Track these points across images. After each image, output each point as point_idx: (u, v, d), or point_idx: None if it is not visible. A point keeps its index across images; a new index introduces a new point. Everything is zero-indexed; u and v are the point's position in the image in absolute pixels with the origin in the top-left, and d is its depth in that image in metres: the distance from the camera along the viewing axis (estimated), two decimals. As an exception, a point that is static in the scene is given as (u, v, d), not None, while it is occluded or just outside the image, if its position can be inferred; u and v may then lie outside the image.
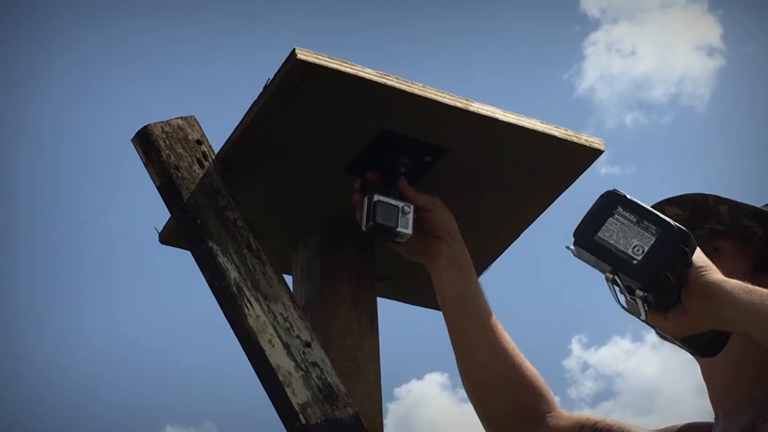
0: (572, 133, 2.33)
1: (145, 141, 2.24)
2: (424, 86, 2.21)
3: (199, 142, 2.27)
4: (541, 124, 2.31)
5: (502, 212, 2.47)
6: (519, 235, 2.54)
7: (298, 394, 2.10)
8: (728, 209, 1.83)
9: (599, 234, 1.70)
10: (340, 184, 2.31)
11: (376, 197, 2.19)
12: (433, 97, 2.21)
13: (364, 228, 2.21)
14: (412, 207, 2.21)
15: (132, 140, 2.26)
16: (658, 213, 1.69)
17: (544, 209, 2.46)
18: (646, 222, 1.69)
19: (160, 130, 2.25)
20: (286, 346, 2.14)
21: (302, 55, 2.12)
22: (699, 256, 1.68)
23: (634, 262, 1.68)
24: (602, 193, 1.73)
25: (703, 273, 1.66)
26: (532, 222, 2.50)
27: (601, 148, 2.35)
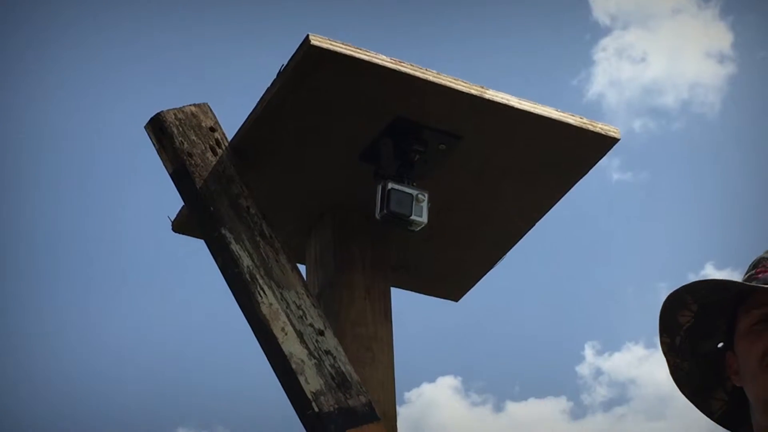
0: (588, 122, 2.31)
1: (158, 127, 2.23)
2: (438, 73, 2.19)
3: (212, 129, 2.26)
4: (556, 112, 2.29)
5: (517, 201, 2.45)
6: (534, 224, 2.52)
7: (311, 382, 2.09)
8: None
9: None
10: (354, 172, 2.30)
11: (390, 185, 2.18)
12: (448, 84, 2.20)
13: (377, 216, 2.20)
14: (426, 195, 2.19)
15: (145, 127, 2.25)
16: None
17: (560, 198, 2.44)
18: None
19: (174, 116, 2.24)
20: (299, 334, 2.12)
21: (316, 41, 2.11)
22: None
23: None
24: None
25: None
26: (547, 211, 2.48)
27: (617, 136, 2.33)
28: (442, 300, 2.67)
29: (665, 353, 1.66)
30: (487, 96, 2.23)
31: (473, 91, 2.21)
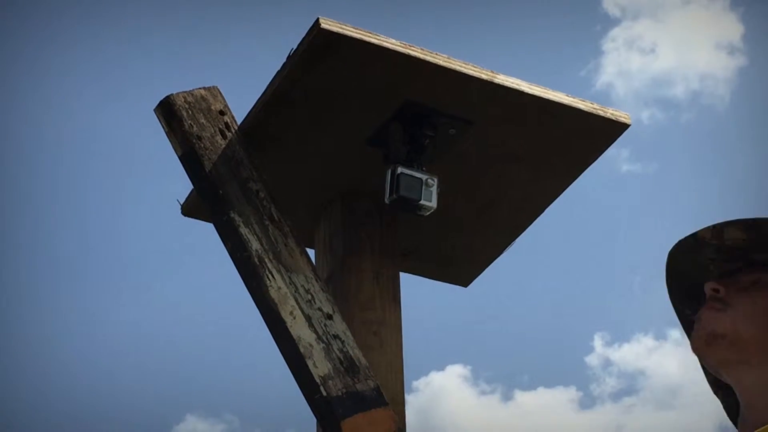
0: (598, 107, 2.30)
1: (167, 110, 2.22)
2: (449, 57, 2.19)
3: (222, 113, 2.26)
4: (567, 97, 2.28)
5: (526, 186, 2.44)
6: (544, 210, 2.51)
7: (319, 366, 2.09)
8: None
9: None
10: (363, 157, 2.30)
11: (399, 169, 2.17)
12: (458, 68, 2.19)
13: (387, 200, 2.19)
14: (436, 179, 2.19)
15: (154, 110, 2.25)
16: None
17: (569, 183, 2.44)
18: None
19: (183, 100, 2.23)
20: (308, 318, 2.12)
21: (326, 24, 2.10)
22: None
23: None
24: None
25: None
26: (557, 196, 2.47)
27: (628, 122, 2.32)
28: (452, 289, 2.66)
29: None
30: (497, 80, 2.22)
31: (483, 76, 2.21)
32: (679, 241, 1.83)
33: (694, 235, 1.80)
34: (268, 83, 2.23)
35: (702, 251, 1.81)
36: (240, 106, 2.28)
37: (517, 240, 2.59)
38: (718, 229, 1.78)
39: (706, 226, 1.77)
